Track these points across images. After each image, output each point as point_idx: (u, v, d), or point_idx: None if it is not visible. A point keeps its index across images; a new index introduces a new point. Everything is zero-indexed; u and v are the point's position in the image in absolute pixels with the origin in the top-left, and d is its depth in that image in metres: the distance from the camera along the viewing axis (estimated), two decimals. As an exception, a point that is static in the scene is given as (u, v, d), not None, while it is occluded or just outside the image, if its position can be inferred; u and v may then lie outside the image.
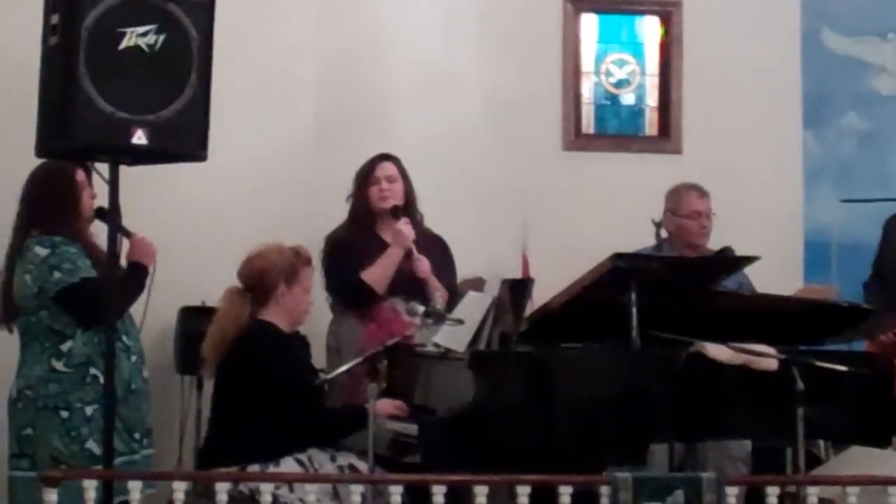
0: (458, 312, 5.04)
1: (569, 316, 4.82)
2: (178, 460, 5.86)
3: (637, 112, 7.20)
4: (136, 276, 4.87)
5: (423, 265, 5.53)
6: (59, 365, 4.81)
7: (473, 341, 4.95)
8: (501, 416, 4.58)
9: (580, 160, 6.95)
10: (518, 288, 5.01)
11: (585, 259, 5.77)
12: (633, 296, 4.65)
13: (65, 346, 4.82)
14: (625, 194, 6.76)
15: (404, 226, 5.56)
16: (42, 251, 4.81)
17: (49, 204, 4.87)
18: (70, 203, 4.87)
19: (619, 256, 4.71)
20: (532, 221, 6.56)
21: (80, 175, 4.87)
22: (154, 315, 4.95)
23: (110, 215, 4.39)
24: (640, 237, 6.02)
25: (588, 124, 7.14)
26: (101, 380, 4.70)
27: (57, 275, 4.78)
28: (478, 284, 5.42)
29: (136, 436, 4.92)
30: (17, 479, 4.83)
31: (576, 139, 7.03)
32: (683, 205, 6.07)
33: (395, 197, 5.66)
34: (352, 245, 5.59)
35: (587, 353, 4.80)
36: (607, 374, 4.66)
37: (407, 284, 5.49)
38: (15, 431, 4.84)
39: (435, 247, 5.69)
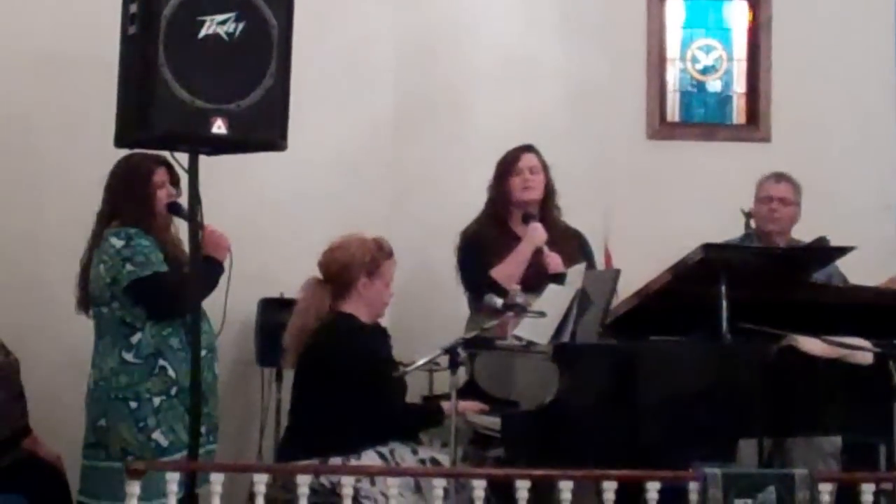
0: (540, 304, 5.02)
1: (655, 308, 4.81)
2: (258, 453, 5.89)
3: (724, 99, 7.17)
4: (208, 270, 4.88)
5: (555, 260, 5.54)
6: (129, 356, 4.88)
7: (557, 334, 4.93)
8: (586, 409, 4.57)
9: (665, 149, 6.93)
10: (604, 279, 4.99)
11: (670, 251, 5.76)
12: (724, 287, 4.62)
13: (134, 339, 4.89)
14: (711, 184, 6.72)
15: (539, 229, 5.56)
16: (117, 242, 4.88)
17: (124, 198, 4.95)
18: (144, 199, 4.94)
19: (708, 247, 4.68)
20: (615, 212, 6.48)
21: (160, 174, 4.94)
22: (234, 307, 4.93)
23: (190, 211, 4.41)
24: (727, 228, 6.02)
25: (673, 112, 7.12)
26: (169, 371, 4.83)
27: (129, 267, 4.84)
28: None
29: (202, 430, 4.85)
30: (94, 469, 4.91)
31: (660, 128, 7.02)
32: (760, 190, 6.08)
33: (537, 189, 5.69)
34: (484, 241, 5.61)
35: (675, 347, 4.77)
36: (696, 368, 4.65)
37: (538, 280, 5.46)
38: (91, 422, 4.94)
39: (573, 241, 5.72)
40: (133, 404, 4.85)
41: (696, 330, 4.75)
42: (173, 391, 4.84)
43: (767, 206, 6.02)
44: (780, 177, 6.06)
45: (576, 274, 5.04)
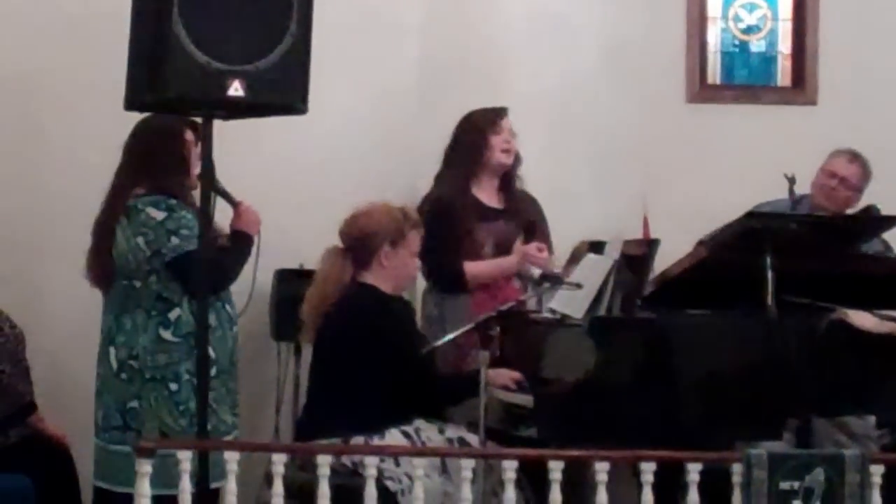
0: (576, 276, 5.02)
1: (695, 280, 4.78)
2: (274, 432, 5.89)
3: (768, 60, 7.13)
4: (242, 246, 4.90)
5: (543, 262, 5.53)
6: (167, 334, 4.84)
7: (592, 307, 4.94)
8: (623, 387, 4.59)
9: (705, 113, 6.87)
10: (642, 249, 5.02)
11: (710, 219, 5.81)
12: (769, 258, 4.59)
13: (172, 315, 4.85)
14: (754, 150, 6.69)
15: (538, 254, 5.50)
16: (158, 214, 4.82)
17: (156, 161, 4.87)
18: (179, 163, 4.88)
19: (752, 215, 4.67)
20: (653, 179, 6.52)
21: (189, 134, 4.87)
22: (249, 279, 4.97)
23: (209, 179, 4.40)
24: (770, 196, 5.98)
25: (714, 74, 7.07)
26: (209, 351, 4.69)
27: (175, 240, 4.80)
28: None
29: (237, 410, 4.98)
30: (119, 454, 4.82)
31: (701, 90, 6.96)
32: (829, 162, 6.08)
33: (513, 154, 5.66)
34: (455, 211, 5.54)
35: (718, 321, 4.78)
36: (741, 343, 4.64)
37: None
38: (118, 404, 4.86)
39: (534, 208, 5.73)
40: (173, 386, 4.81)
41: (739, 303, 4.72)
42: (213, 371, 4.75)
43: (829, 181, 6.02)
44: (854, 157, 6.07)
45: (614, 245, 5.05)
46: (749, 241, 4.63)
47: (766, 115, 6.90)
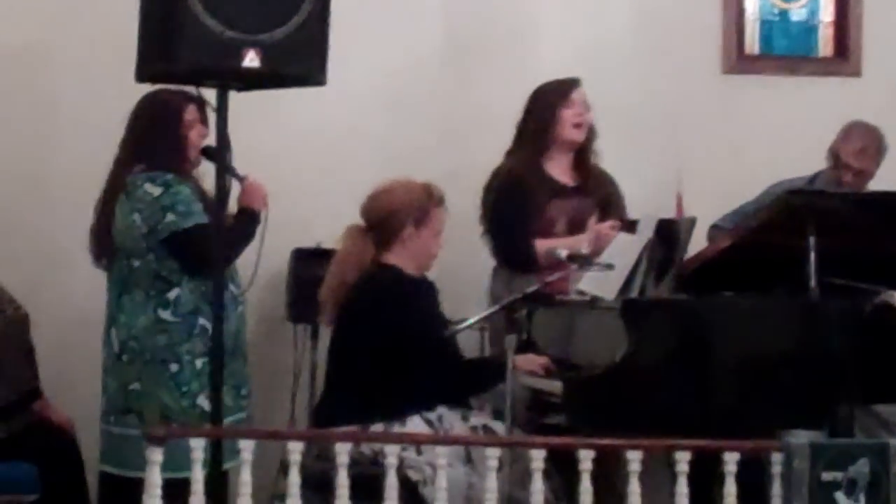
0: (607, 256, 4.99)
1: (733, 261, 4.80)
2: (289, 418, 5.88)
3: (809, 29, 7.06)
4: (247, 223, 4.91)
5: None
6: (165, 314, 4.88)
7: (624, 288, 4.91)
8: (658, 372, 4.57)
9: (743, 85, 6.81)
10: (677, 228, 4.98)
11: (747, 197, 5.92)
12: (812, 238, 4.60)
13: (171, 294, 4.89)
14: (794, 123, 6.64)
15: (612, 233, 5.39)
16: (154, 189, 4.86)
17: (153, 138, 4.92)
18: (175, 140, 4.91)
19: (794, 193, 4.70)
20: (687, 154, 6.46)
21: (191, 112, 4.92)
22: (264, 259, 4.95)
23: (218, 154, 4.41)
24: (811, 171, 5.98)
25: (752, 44, 7.00)
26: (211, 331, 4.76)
27: (170, 217, 4.84)
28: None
29: (244, 392, 4.99)
30: (123, 438, 4.88)
31: (738, 61, 6.89)
32: (842, 150, 5.96)
33: (586, 128, 5.63)
34: (526, 185, 5.51)
35: (759, 304, 4.75)
36: (782, 327, 4.64)
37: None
38: (120, 387, 4.91)
39: (610, 188, 5.70)
40: (173, 367, 4.86)
41: (779, 285, 4.75)
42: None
43: (844, 175, 5.92)
44: (865, 147, 5.97)
45: (647, 223, 5.02)
46: (790, 220, 4.64)
47: (806, 87, 6.84)
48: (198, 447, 4.07)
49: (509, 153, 5.63)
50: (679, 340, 4.62)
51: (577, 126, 5.60)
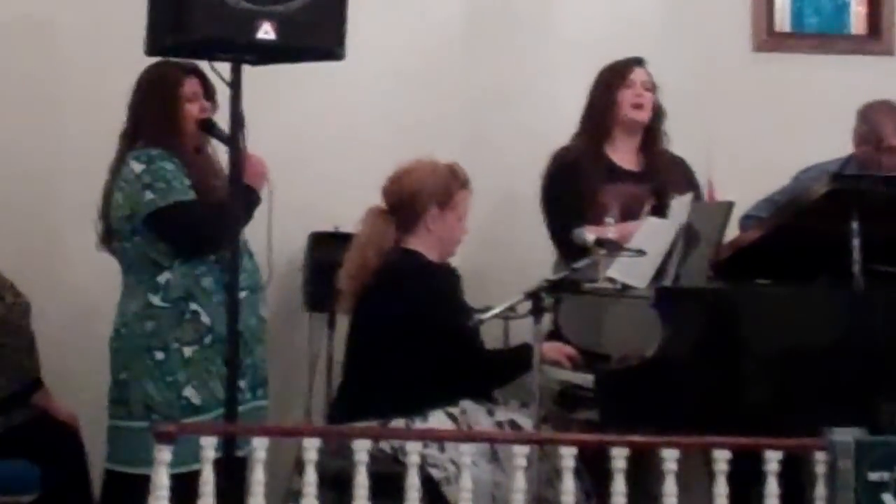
0: (638, 241, 4.86)
1: (772, 249, 4.69)
2: (305, 413, 5.80)
3: (841, 6, 6.95)
4: (243, 200, 4.73)
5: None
6: (155, 299, 4.77)
7: (657, 276, 4.78)
8: (694, 366, 4.44)
9: (773, 63, 6.70)
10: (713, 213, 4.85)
11: (778, 180, 5.85)
12: (856, 224, 4.48)
13: (161, 279, 4.77)
14: (826, 103, 6.50)
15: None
16: (137, 166, 4.77)
17: (148, 113, 4.83)
18: (169, 114, 4.81)
19: (836, 177, 4.60)
20: (716, 135, 6.32)
21: (190, 84, 4.81)
22: (278, 243, 4.84)
23: (221, 128, 4.36)
24: (843, 153, 5.87)
25: (783, 21, 6.87)
26: (203, 317, 4.71)
27: (149, 195, 4.73)
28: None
29: (242, 384, 4.76)
30: (116, 430, 4.79)
31: (768, 38, 6.79)
32: (875, 128, 5.81)
33: (648, 108, 5.55)
34: (580, 168, 5.43)
35: (799, 293, 4.64)
36: (824, 318, 4.53)
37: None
38: (112, 375, 4.83)
39: (678, 169, 5.60)
40: (159, 355, 4.73)
41: (820, 274, 4.63)
42: (207, 340, 4.70)
43: (878, 156, 5.77)
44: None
45: (681, 206, 4.90)
46: (833, 205, 4.51)
47: (838, 65, 6.73)
48: (208, 445, 3.89)
49: (574, 137, 5.57)
50: (716, 332, 4.50)
51: (637, 107, 5.53)
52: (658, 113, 5.59)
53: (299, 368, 5.82)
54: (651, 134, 5.59)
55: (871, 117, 5.85)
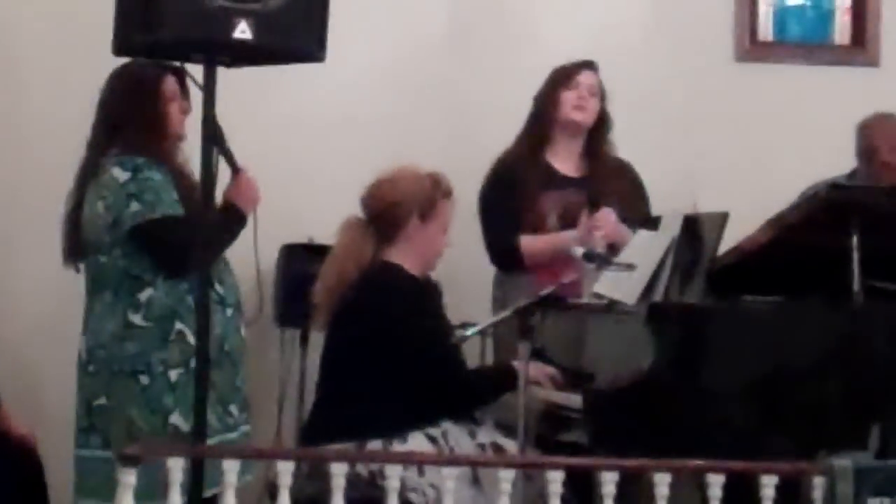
0: (627, 255, 4.75)
1: (766, 263, 4.52)
2: (275, 434, 5.71)
3: (825, 15, 6.92)
4: (231, 221, 4.66)
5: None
6: (136, 318, 4.57)
7: (647, 292, 4.63)
8: (689, 385, 4.29)
9: (755, 73, 6.66)
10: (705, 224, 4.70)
11: (760, 191, 5.77)
12: (855, 237, 4.36)
13: (143, 296, 4.58)
14: (809, 114, 6.52)
15: (606, 220, 5.20)
16: (121, 175, 4.57)
17: (127, 117, 4.64)
18: (152, 117, 4.65)
19: (835, 187, 4.51)
20: (698, 146, 6.38)
21: (170, 83, 4.66)
22: (249, 255, 4.72)
23: (214, 139, 4.11)
24: (827, 165, 5.80)
25: (766, 30, 6.85)
26: (189, 337, 4.50)
27: (135, 206, 4.55)
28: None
29: (232, 409, 4.70)
30: (85, 460, 4.60)
31: (751, 48, 6.76)
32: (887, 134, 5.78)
33: (590, 112, 5.44)
34: (518, 175, 5.32)
35: (796, 309, 4.50)
36: (821, 335, 4.39)
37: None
38: (85, 401, 4.63)
39: (625, 178, 5.52)
40: (144, 379, 4.54)
41: (817, 289, 4.47)
42: (194, 362, 4.40)
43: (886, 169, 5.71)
44: None
45: (672, 219, 4.74)
46: (831, 217, 4.40)
47: (822, 76, 6.70)
48: (176, 468, 3.68)
49: (516, 138, 5.47)
50: (712, 350, 4.35)
51: (578, 108, 5.42)
52: (603, 119, 5.48)
53: (269, 387, 5.73)
54: (594, 140, 5.47)
55: (867, 132, 5.81)
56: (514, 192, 5.33)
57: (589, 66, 5.49)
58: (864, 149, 5.75)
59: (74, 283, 4.78)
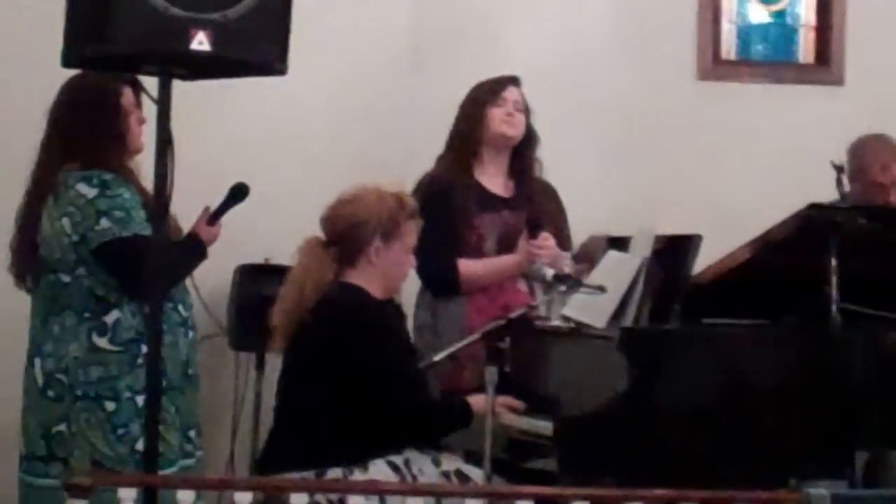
0: (597, 277, 4.61)
1: (739, 285, 4.45)
2: (228, 460, 5.58)
3: (789, 34, 6.98)
4: (193, 250, 4.56)
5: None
6: (102, 342, 4.41)
7: (617, 315, 4.51)
8: (664, 411, 4.22)
9: (719, 92, 6.71)
10: (678, 246, 4.60)
11: (724, 212, 5.84)
12: (834, 259, 4.30)
13: (109, 318, 4.43)
14: (773, 134, 6.55)
15: (545, 246, 5.04)
16: (89, 191, 4.40)
17: (87, 131, 4.46)
18: (115, 132, 4.49)
19: (815, 207, 4.37)
20: (660, 165, 6.39)
21: (128, 94, 4.51)
22: (202, 276, 4.66)
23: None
24: (792, 185, 5.63)
25: (729, 49, 6.92)
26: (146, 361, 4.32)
27: (104, 223, 4.38)
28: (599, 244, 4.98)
29: (191, 434, 4.56)
30: (41, 490, 4.41)
31: (714, 66, 6.81)
32: (876, 156, 5.73)
33: (520, 129, 5.24)
34: (449, 195, 5.14)
35: (771, 333, 4.46)
36: (798, 360, 4.35)
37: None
38: (41, 428, 4.44)
39: (553, 200, 5.34)
40: (110, 405, 4.37)
41: (793, 312, 4.45)
42: (162, 386, 4.30)
43: (881, 189, 5.70)
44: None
45: (643, 239, 4.62)
46: (808, 238, 4.34)
47: (786, 95, 6.74)
48: (128, 498, 3.49)
49: (439, 159, 5.28)
50: (688, 375, 4.27)
51: (509, 124, 5.24)
52: (530, 136, 5.30)
53: (223, 412, 5.62)
54: (521, 158, 5.29)
55: (858, 153, 5.75)
56: (449, 215, 5.14)
57: (513, 81, 5.33)
58: (855, 169, 5.62)
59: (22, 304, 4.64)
